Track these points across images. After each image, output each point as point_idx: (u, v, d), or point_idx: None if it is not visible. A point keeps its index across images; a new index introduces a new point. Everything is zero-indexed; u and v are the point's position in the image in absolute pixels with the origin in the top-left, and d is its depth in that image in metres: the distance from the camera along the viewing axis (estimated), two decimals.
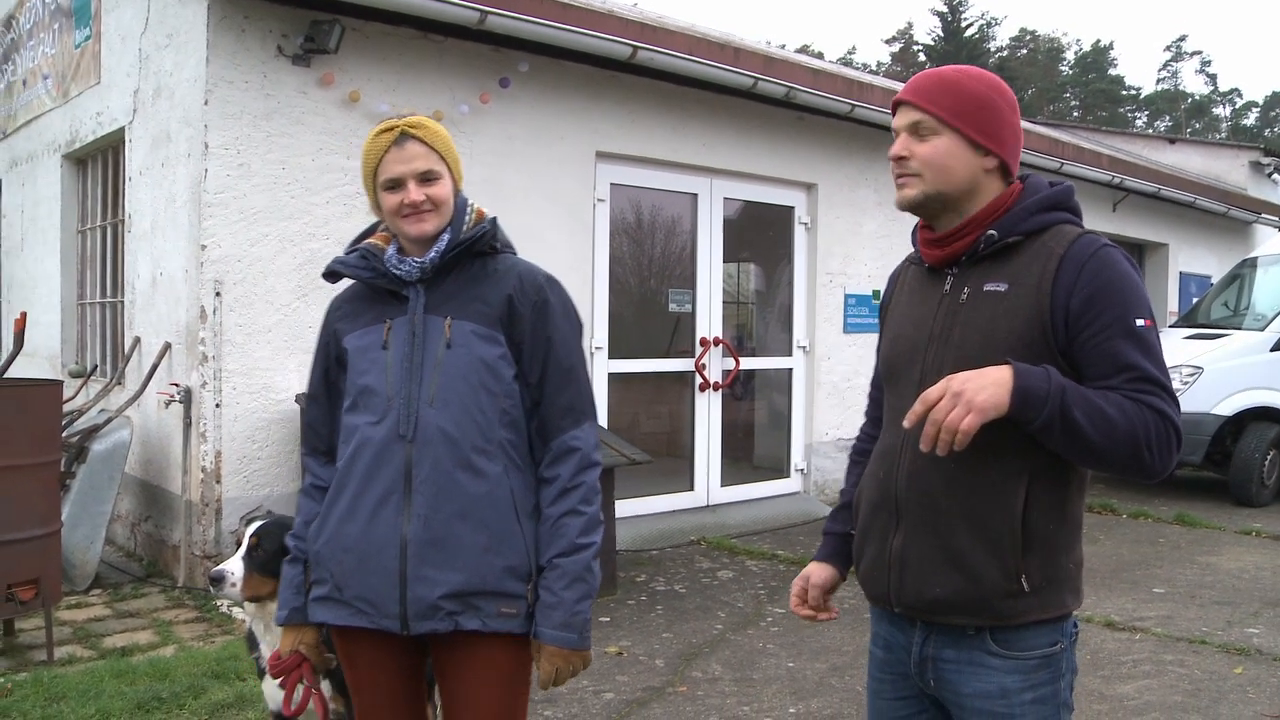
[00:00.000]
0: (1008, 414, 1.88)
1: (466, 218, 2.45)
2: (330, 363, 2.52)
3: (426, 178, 2.36)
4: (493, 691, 2.37)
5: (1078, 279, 1.98)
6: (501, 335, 2.38)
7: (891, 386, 2.26)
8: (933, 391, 1.91)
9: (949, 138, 2.08)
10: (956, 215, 2.13)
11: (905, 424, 1.96)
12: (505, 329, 2.39)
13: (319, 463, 2.54)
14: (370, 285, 2.47)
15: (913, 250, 2.31)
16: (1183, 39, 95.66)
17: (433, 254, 2.39)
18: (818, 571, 2.43)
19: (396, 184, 2.36)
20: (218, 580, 3.03)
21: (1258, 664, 5.32)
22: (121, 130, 7.41)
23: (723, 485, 8.88)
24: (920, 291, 2.24)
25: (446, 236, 2.41)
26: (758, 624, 5.92)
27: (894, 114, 2.18)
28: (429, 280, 2.41)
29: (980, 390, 1.87)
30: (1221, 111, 73.71)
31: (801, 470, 9.45)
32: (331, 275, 2.54)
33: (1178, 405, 1.97)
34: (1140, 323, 1.97)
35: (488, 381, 2.36)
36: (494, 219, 2.50)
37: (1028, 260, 2.05)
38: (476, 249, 2.45)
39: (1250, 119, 71.88)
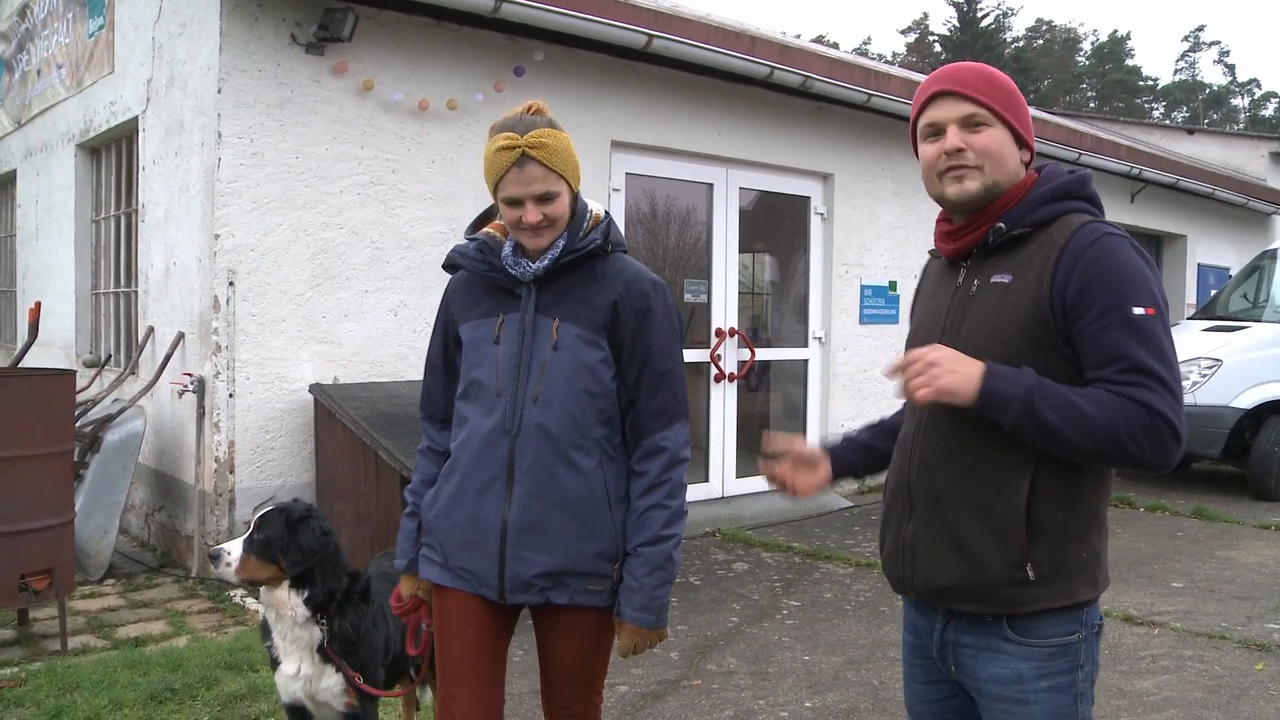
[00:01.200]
0: (974, 409, 1.98)
1: (585, 223, 2.58)
2: (449, 341, 2.71)
3: (544, 198, 2.48)
4: (575, 654, 2.62)
5: (1075, 267, 2.00)
6: (604, 340, 2.54)
7: None
8: (916, 351, 2.02)
9: (1001, 129, 2.13)
10: (988, 206, 2.17)
11: (884, 373, 2.09)
12: (609, 333, 2.55)
13: (435, 428, 2.76)
14: (486, 278, 2.61)
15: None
16: (1201, 29, 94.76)
17: (546, 261, 2.54)
18: (806, 443, 2.47)
19: (515, 202, 2.49)
20: (215, 557, 3.11)
21: (1279, 660, 5.26)
22: (135, 119, 7.40)
23: (738, 477, 8.85)
24: (938, 284, 2.31)
25: (561, 243, 2.55)
26: (773, 617, 5.88)
27: (927, 105, 2.19)
28: (541, 280, 2.56)
29: (948, 373, 1.97)
30: (1240, 102, 73.04)
31: None
32: (451, 266, 2.69)
33: (1175, 395, 1.96)
34: (1139, 311, 1.96)
35: (589, 384, 2.53)
36: (609, 222, 2.62)
37: (1033, 251, 2.07)
38: (595, 250, 2.57)
39: (1269, 109, 71.18)
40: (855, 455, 2.48)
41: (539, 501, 2.49)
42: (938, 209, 2.28)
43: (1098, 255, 1.99)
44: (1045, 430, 1.95)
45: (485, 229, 2.66)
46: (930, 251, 2.41)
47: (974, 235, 2.15)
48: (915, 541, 2.17)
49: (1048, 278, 2.01)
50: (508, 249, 2.58)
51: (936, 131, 2.16)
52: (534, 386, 2.50)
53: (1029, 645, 2.07)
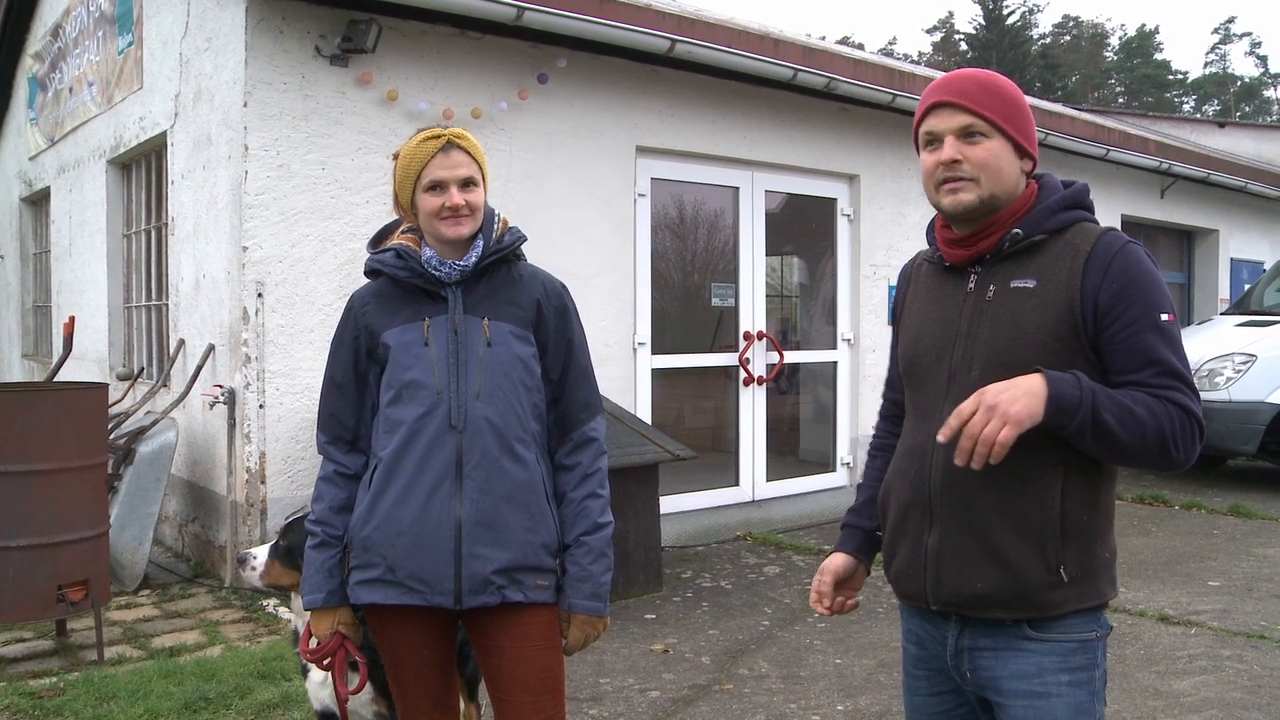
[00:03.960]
0: (1041, 422, 1.94)
1: (495, 226, 2.67)
2: (360, 356, 2.68)
3: (467, 184, 2.57)
4: (540, 654, 2.58)
5: (1105, 274, 2.04)
6: (532, 336, 2.63)
7: (917, 385, 2.27)
8: (966, 405, 1.95)
9: (999, 141, 2.12)
10: (985, 217, 2.17)
11: (940, 438, 1.99)
12: (535, 330, 2.64)
13: (342, 451, 2.77)
14: (402, 284, 2.62)
15: (927, 247, 2.36)
16: (1231, 20, 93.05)
17: (472, 258, 2.60)
18: (840, 564, 2.43)
19: (440, 187, 2.55)
20: (242, 561, 3.17)
21: None
22: (164, 134, 7.47)
23: (768, 480, 8.82)
24: (939, 290, 2.27)
25: (481, 242, 2.62)
26: (804, 620, 5.86)
27: (926, 114, 2.18)
28: (464, 282, 2.61)
29: (1014, 401, 1.92)
30: (1273, 94, 72.20)
31: (847, 464, 9.36)
32: (374, 274, 2.70)
33: (1199, 397, 2.06)
34: (1165, 318, 2.04)
35: (524, 378, 2.59)
36: (516, 227, 2.73)
37: (1053, 257, 2.10)
38: (507, 255, 2.67)
39: None
40: (867, 540, 2.46)
41: (490, 496, 2.50)
42: None
43: (1126, 263, 2.04)
44: (1102, 433, 1.96)
45: (397, 241, 2.67)
46: (920, 255, 2.40)
47: (988, 241, 2.15)
48: (941, 551, 2.13)
49: (1076, 282, 2.04)
50: (429, 253, 2.61)
51: (934, 141, 2.16)
52: (474, 382, 2.53)
53: (1050, 641, 2.08)
